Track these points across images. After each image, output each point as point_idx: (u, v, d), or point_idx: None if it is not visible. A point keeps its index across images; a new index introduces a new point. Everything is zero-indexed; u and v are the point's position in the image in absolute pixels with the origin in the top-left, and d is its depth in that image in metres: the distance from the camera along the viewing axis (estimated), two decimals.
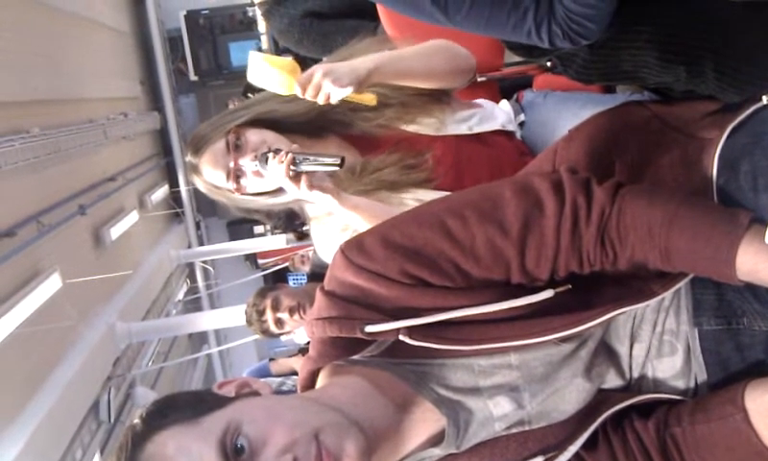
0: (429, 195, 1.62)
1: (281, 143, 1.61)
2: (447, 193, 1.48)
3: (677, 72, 1.20)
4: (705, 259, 0.92)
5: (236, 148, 1.63)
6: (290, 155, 1.49)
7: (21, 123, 3.90)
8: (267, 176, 1.56)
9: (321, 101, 1.51)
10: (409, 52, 1.63)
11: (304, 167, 1.48)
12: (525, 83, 2.08)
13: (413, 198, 1.63)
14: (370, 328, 0.93)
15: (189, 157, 1.70)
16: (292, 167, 1.48)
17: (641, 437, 0.99)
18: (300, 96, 1.53)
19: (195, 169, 1.70)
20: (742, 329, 0.99)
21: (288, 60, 1.58)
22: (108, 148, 5.52)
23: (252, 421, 0.88)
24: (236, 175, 1.64)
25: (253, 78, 1.58)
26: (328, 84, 1.48)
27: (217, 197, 1.73)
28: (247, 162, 1.62)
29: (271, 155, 1.52)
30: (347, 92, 1.49)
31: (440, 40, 1.66)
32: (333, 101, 1.52)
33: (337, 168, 1.47)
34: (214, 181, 1.68)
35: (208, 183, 1.70)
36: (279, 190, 1.66)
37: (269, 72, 1.55)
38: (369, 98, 1.60)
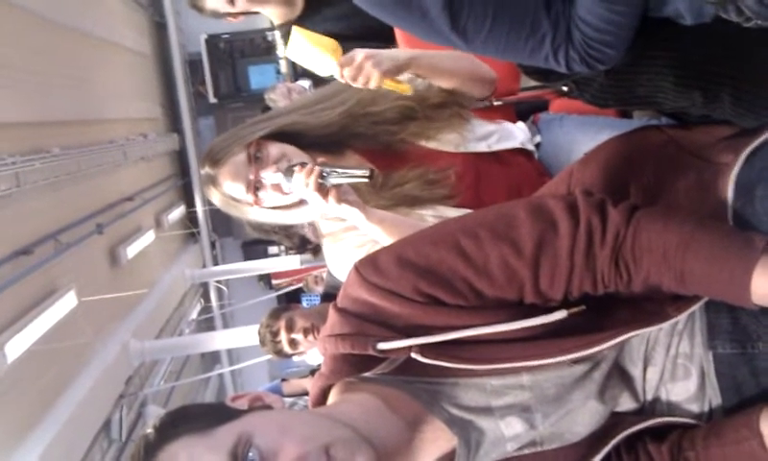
0: (449, 212, 1.61)
1: (301, 157, 1.61)
2: (468, 211, 1.47)
3: (693, 97, 1.20)
4: (720, 283, 0.91)
5: (257, 160, 1.62)
6: (317, 168, 1.46)
7: (42, 143, 3.95)
8: (292, 189, 1.53)
9: (360, 84, 1.51)
10: (438, 52, 1.65)
11: (332, 180, 1.46)
12: (541, 107, 2.09)
13: (433, 214, 1.62)
14: (382, 346, 0.94)
15: (207, 169, 1.67)
16: (319, 180, 1.46)
17: None
18: (338, 77, 1.53)
19: (213, 180, 1.67)
20: (757, 354, 0.98)
21: (330, 39, 1.57)
22: (126, 168, 5.56)
23: (264, 433, 0.88)
24: (255, 187, 1.63)
25: (293, 55, 1.57)
26: (369, 67, 1.49)
27: (232, 210, 1.72)
28: (268, 175, 1.61)
29: (297, 167, 1.50)
30: (386, 77, 1.50)
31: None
32: (372, 85, 1.51)
33: (366, 180, 1.44)
34: (233, 193, 1.66)
35: (225, 195, 1.68)
36: (296, 205, 1.65)
37: (309, 50, 1.54)
38: (404, 87, 1.59)
